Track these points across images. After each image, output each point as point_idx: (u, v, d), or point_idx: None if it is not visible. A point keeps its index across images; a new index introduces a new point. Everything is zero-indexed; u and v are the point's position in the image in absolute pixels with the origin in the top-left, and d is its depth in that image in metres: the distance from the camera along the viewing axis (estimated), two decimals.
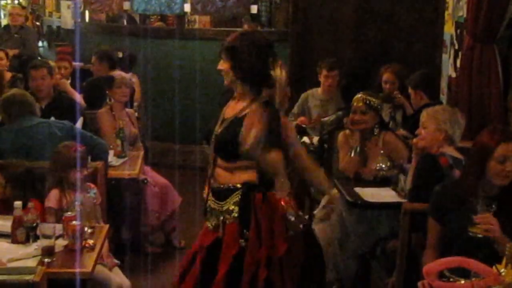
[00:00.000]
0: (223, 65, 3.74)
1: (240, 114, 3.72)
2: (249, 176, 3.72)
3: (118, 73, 6.35)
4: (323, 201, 5.05)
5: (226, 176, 3.76)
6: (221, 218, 3.74)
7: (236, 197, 3.72)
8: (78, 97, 6.47)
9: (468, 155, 3.78)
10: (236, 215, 3.70)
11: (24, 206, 3.87)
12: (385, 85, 6.34)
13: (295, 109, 6.80)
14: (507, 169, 3.47)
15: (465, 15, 5.93)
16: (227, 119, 3.78)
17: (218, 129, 3.78)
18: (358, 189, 4.77)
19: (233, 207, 3.71)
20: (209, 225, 3.81)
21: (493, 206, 3.44)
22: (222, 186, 3.77)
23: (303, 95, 6.88)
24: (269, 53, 3.72)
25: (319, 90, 6.81)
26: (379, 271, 4.42)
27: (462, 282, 3.12)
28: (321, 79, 6.79)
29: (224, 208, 3.74)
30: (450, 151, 4.23)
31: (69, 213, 3.85)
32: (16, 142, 4.79)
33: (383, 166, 4.97)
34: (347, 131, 5.25)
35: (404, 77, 6.19)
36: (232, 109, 3.81)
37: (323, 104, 6.72)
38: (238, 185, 3.72)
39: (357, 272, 4.91)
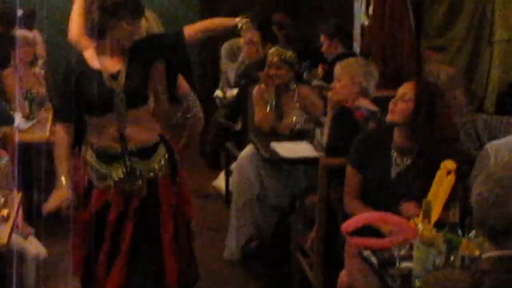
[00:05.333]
0: None
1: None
2: (157, 128, 3.68)
3: (20, 32, 6.10)
4: None
5: (141, 132, 3.61)
6: (148, 176, 3.62)
7: (162, 150, 3.65)
8: None
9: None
10: (166, 167, 3.65)
11: None
12: None
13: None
14: None
15: None
16: (119, 71, 3.54)
17: (118, 84, 3.52)
18: (274, 144, 4.74)
19: (163, 160, 3.64)
20: (127, 188, 3.62)
21: (409, 159, 3.55)
22: (144, 144, 3.62)
23: (225, 45, 6.78)
24: None
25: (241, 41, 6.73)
26: (298, 226, 4.43)
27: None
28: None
29: (152, 165, 3.64)
30: (365, 103, 4.24)
31: None
32: None
33: (299, 120, 4.96)
34: (262, 86, 5.19)
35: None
36: (110, 64, 3.55)
37: None
38: (158, 139, 3.65)
39: (277, 227, 4.94)
